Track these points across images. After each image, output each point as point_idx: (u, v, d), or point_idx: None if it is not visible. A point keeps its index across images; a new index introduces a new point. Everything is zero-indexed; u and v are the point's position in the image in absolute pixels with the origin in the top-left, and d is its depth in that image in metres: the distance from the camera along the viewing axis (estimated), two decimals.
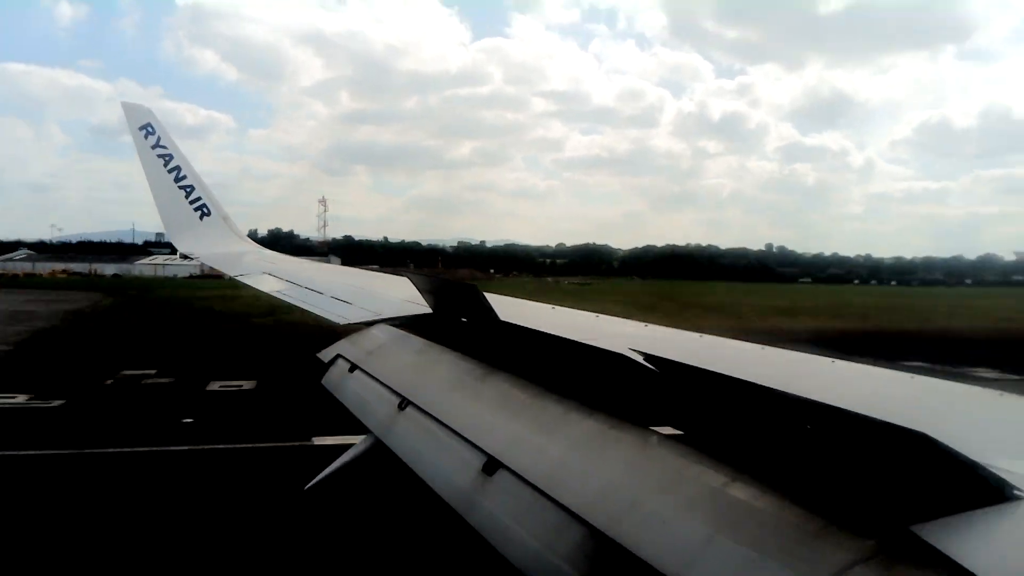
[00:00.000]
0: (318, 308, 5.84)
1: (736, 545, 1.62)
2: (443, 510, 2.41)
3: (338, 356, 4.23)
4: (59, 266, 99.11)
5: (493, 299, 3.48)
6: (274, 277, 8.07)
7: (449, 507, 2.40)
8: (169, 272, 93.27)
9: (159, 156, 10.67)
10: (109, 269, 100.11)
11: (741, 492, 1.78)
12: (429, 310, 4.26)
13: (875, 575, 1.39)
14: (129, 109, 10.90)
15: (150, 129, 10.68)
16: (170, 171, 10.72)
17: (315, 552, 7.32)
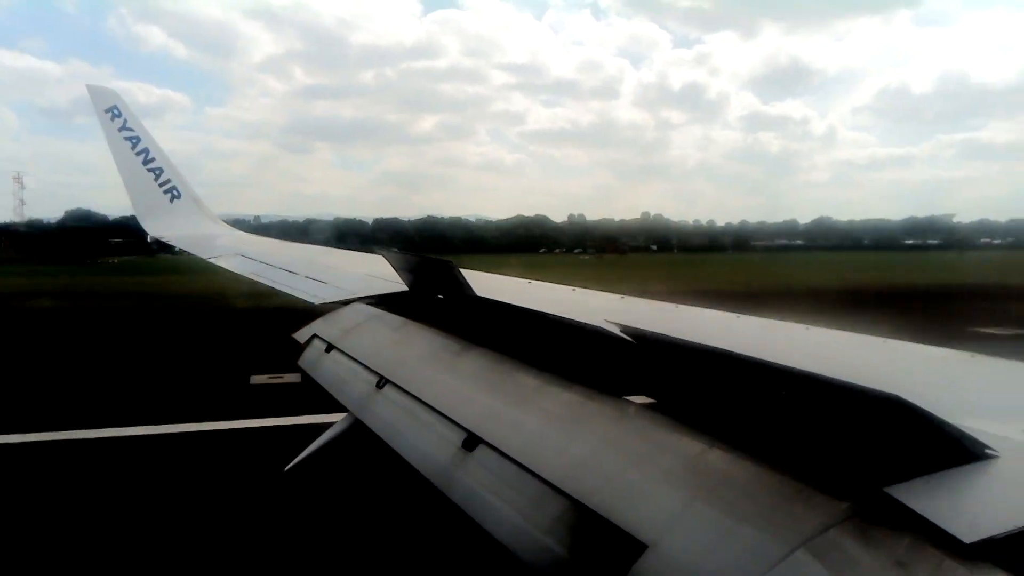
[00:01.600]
0: (292, 288, 5.80)
1: (712, 511, 1.64)
2: (424, 486, 2.41)
3: (314, 336, 4.21)
4: None
5: (469, 275, 3.47)
6: (247, 258, 8.01)
7: (430, 483, 2.41)
8: None
9: (126, 139, 10.56)
10: None
11: (716, 459, 1.80)
12: (405, 287, 4.24)
13: (852, 535, 1.40)
14: (95, 92, 10.75)
15: (116, 112, 10.55)
16: (138, 154, 10.60)
17: (299, 532, 7.33)
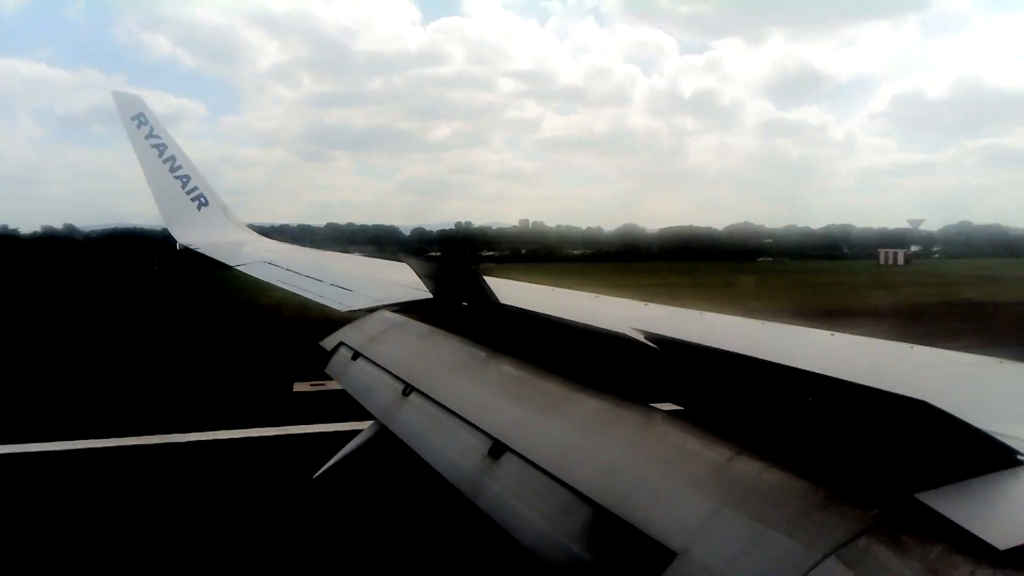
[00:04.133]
0: (319, 296, 5.86)
1: (741, 518, 1.64)
2: (451, 494, 2.43)
3: (340, 344, 4.24)
4: None
5: (493, 282, 3.49)
6: (274, 266, 8.09)
7: (457, 491, 2.43)
8: None
9: (153, 146, 10.65)
10: None
11: (744, 466, 1.80)
12: (429, 295, 4.27)
13: (882, 543, 1.40)
14: (120, 99, 10.87)
15: (142, 119, 10.65)
16: (164, 161, 10.70)
17: (326, 539, 7.37)
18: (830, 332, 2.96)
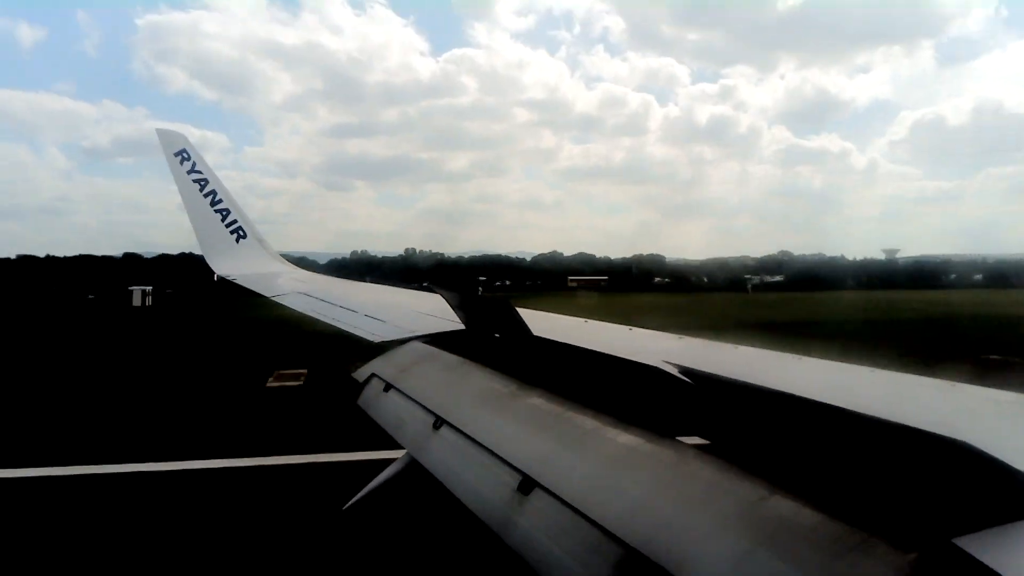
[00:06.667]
0: (352, 326, 5.87)
1: (773, 560, 1.60)
2: (479, 529, 2.41)
3: (372, 375, 4.24)
4: None
5: (526, 314, 3.48)
6: (309, 296, 8.15)
7: (485, 526, 2.40)
8: None
9: (194, 181, 10.88)
10: None
11: (777, 506, 1.76)
12: (462, 326, 4.26)
13: None
14: (164, 135, 11.12)
15: (185, 155, 10.89)
16: (205, 195, 10.91)
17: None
18: (870, 368, 2.89)
